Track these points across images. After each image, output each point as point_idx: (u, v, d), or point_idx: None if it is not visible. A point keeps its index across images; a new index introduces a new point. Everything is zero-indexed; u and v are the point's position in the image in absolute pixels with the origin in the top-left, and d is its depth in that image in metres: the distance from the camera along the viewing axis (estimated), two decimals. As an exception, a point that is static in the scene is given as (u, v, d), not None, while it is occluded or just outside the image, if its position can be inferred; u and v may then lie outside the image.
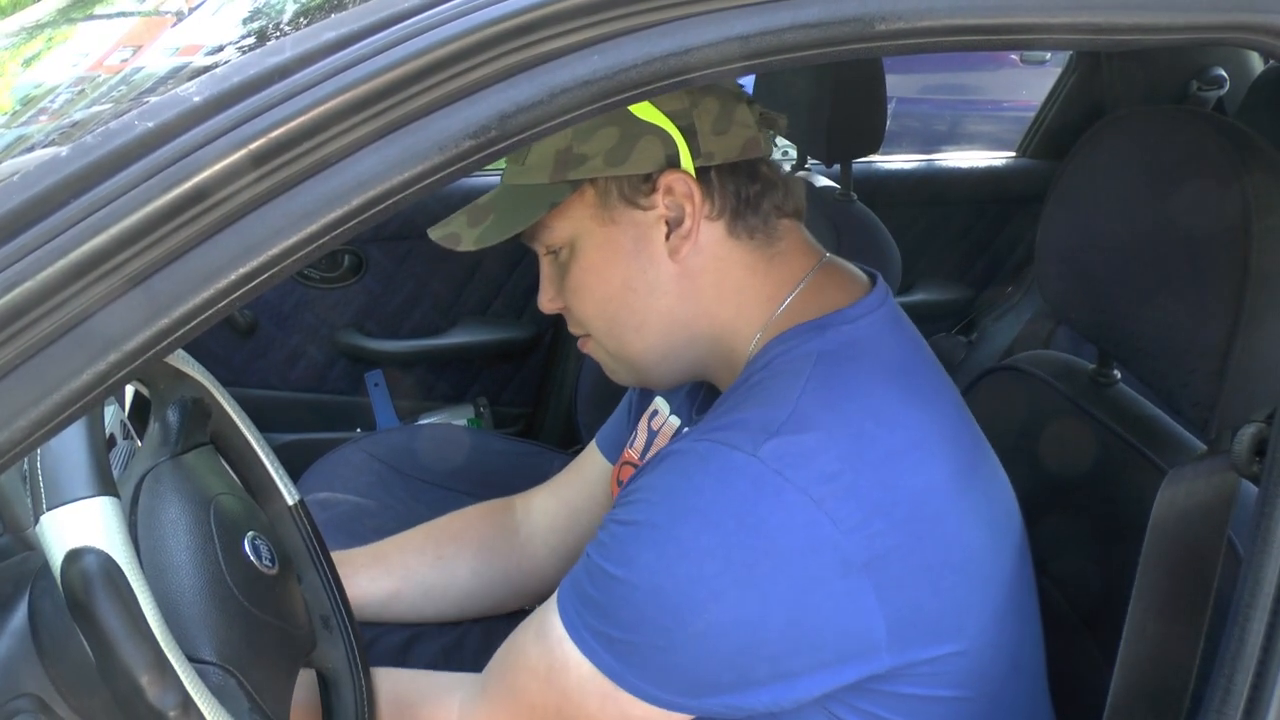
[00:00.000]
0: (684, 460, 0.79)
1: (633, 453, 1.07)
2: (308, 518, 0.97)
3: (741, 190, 0.85)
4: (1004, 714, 0.86)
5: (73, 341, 0.52)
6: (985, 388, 1.19)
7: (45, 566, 0.71)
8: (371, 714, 0.92)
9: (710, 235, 0.85)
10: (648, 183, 0.83)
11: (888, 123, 1.78)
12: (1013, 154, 2.37)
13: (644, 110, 0.83)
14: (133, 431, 1.34)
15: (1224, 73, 2.00)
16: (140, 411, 1.46)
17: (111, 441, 1.29)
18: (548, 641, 0.83)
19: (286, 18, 0.78)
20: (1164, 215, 0.89)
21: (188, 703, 0.65)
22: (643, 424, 1.07)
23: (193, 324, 0.53)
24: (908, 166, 2.32)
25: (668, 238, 0.85)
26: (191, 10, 1.03)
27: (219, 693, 0.70)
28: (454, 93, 0.55)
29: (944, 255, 2.36)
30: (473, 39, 0.55)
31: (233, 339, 1.99)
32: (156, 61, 0.93)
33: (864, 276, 0.92)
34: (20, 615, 0.71)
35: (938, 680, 0.80)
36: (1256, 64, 1.99)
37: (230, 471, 0.94)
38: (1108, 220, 0.96)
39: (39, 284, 0.50)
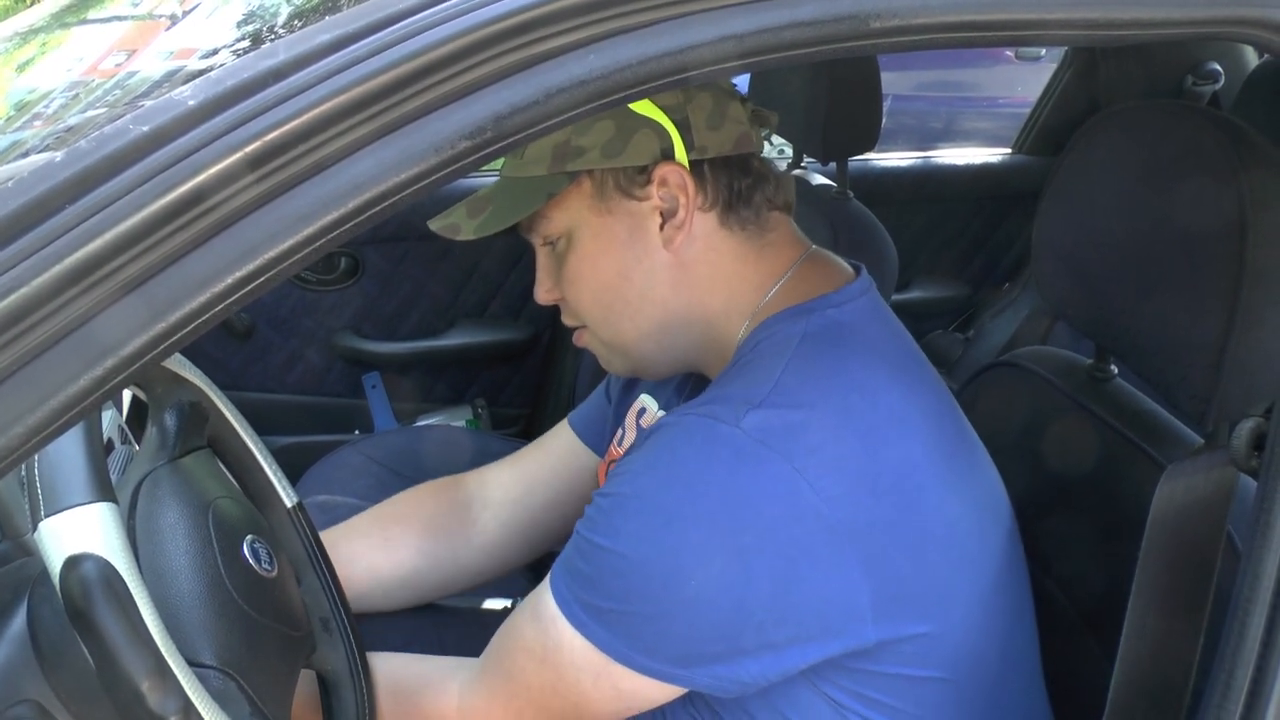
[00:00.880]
0: (669, 433, 0.81)
1: (620, 450, 1.07)
2: (306, 520, 0.97)
3: (734, 183, 0.88)
4: (994, 706, 0.87)
5: (69, 347, 0.51)
6: (983, 384, 1.19)
7: (44, 572, 0.70)
8: (372, 716, 0.92)
9: (703, 226, 0.87)
10: (643, 174, 0.86)
11: (883, 120, 1.78)
12: (1009, 150, 2.37)
13: (639, 105, 0.84)
14: (130, 436, 1.34)
15: (1219, 67, 2.00)
16: (138, 416, 1.45)
17: (109, 446, 1.29)
18: (541, 621, 0.84)
19: (281, 20, 0.78)
20: (1160, 211, 0.89)
21: (188, 707, 0.64)
22: (630, 421, 1.08)
23: (190, 328, 0.53)
24: (904, 164, 2.32)
25: (662, 228, 0.87)
26: (186, 14, 1.03)
27: (219, 697, 0.70)
28: (450, 94, 0.55)
29: (941, 252, 2.36)
30: (468, 40, 0.55)
31: (230, 343, 1.99)
32: (151, 65, 0.93)
33: (849, 268, 0.94)
34: (19, 621, 0.71)
35: (923, 660, 0.81)
36: (1251, 58, 1.99)
37: (228, 475, 0.94)
38: (1104, 216, 0.96)
39: (34, 290, 0.50)
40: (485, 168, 0.59)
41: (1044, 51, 3.96)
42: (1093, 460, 1.01)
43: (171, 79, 0.76)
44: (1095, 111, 1.19)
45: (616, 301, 0.90)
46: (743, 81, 1.88)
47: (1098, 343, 1.05)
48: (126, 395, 1.32)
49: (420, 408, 2.12)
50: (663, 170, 0.85)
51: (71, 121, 0.84)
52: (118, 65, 0.96)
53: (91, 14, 1.21)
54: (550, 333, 2.12)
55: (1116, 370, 1.07)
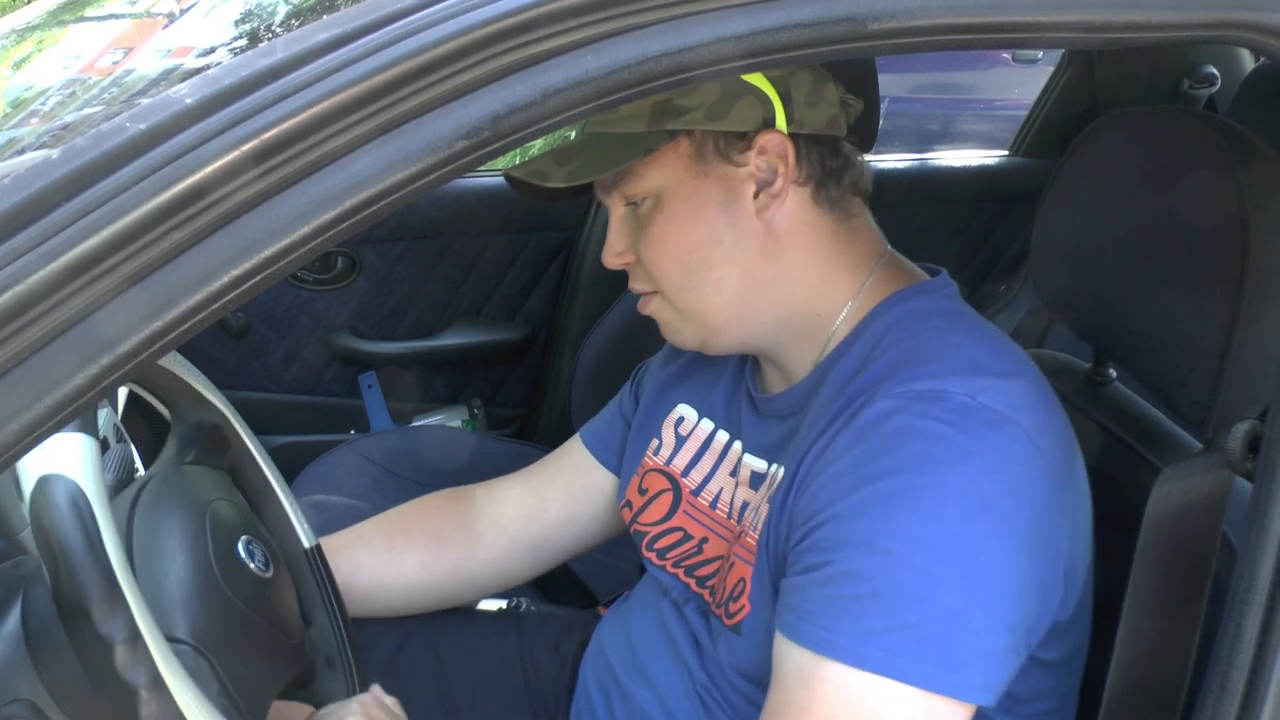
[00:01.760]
0: (902, 419, 0.77)
1: (657, 459, 1.05)
2: (322, 561, 0.96)
3: (826, 161, 0.89)
4: (1071, 691, 0.89)
5: (65, 344, 0.51)
6: (980, 386, 1.19)
7: (39, 571, 0.70)
8: None
9: (796, 200, 0.88)
10: (743, 140, 0.86)
11: (880, 122, 1.78)
12: (1006, 153, 2.37)
13: None
14: (126, 435, 1.34)
15: (1215, 70, 2.01)
16: (135, 416, 1.45)
17: (105, 445, 1.28)
18: (822, 686, 0.75)
19: (279, 19, 0.78)
20: (1160, 214, 0.90)
21: (157, 679, 0.64)
22: (667, 430, 1.05)
23: (186, 327, 0.53)
24: (901, 166, 2.32)
25: (755, 196, 0.87)
26: (183, 12, 1.02)
27: (190, 673, 0.69)
28: (447, 93, 0.55)
29: (937, 254, 2.34)
30: (466, 40, 0.55)
31: (226, 341, 1.98)
32: (148, 64, 0.93)
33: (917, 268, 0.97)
34: (13, 620, 0.70)
35: (1049, 641, 0.82)
36: (1247, 61, 1.99)
37: (237, 489, 0.93)
38: (1104, 219, 0.96)
39: (30, 286, 0.50)
40: (483, 167, 0.59)
41: (1041, 54, 3.97)
42: (1091, 464, 1.01)
43: (168, 77, 0.76)
44: (1092, 115, 1.20)
45: (702, 265, 0.88)
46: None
47: (1096, 346, 1.05)
48: (122, 394, 1.32)
49: (417, 407, 2.11)
50: (764, 138, 0.85)
51: (68, 119, 0.84)
52: (114, 63, 0.96)
53: (88, 12, 1.21)
54: (546, 333, 2.12)
55: (1115, 375, 1.07)
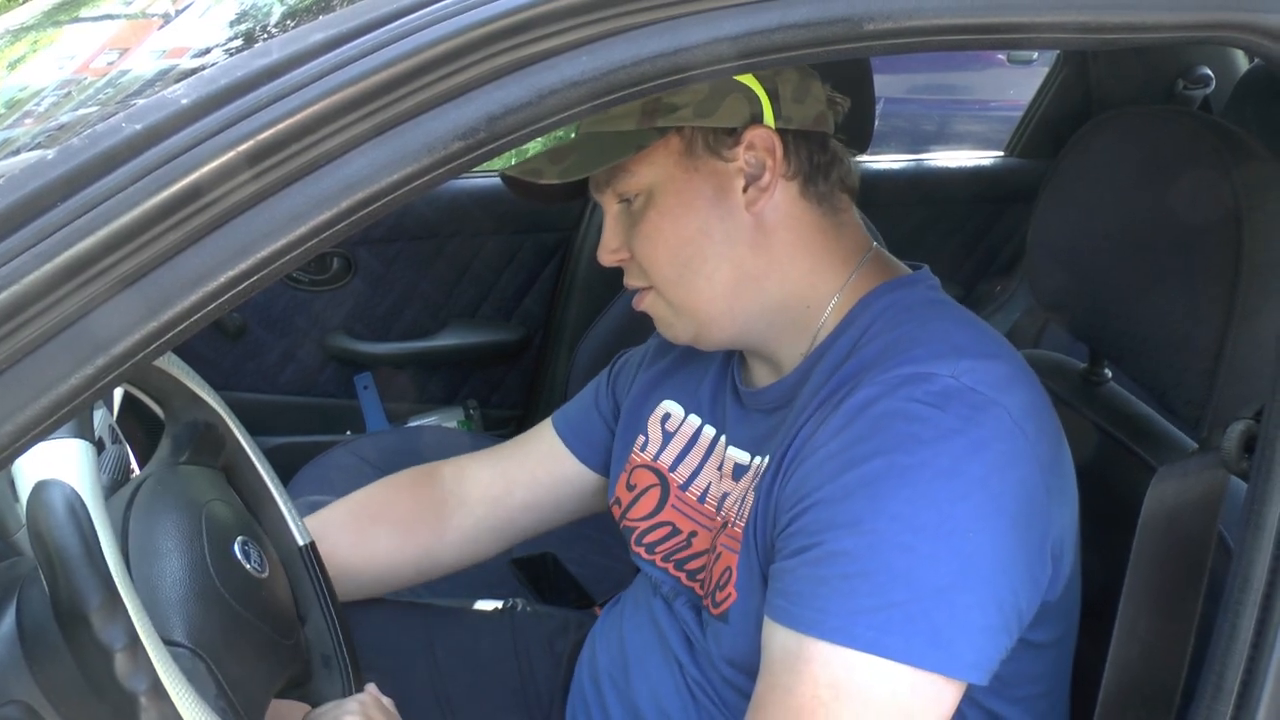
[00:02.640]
0: (879, 406, 0.78)
1: (644, 455, 1.06)
2: (317, 559, 0.96)
3: (814, 157, 0.91)
4: (1064, 675, 0.90)
5: (60, 345, 0.51)
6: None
7: (34, 572, 0.70)
8: None
9: (785, 194, 0.90)
10: (731, 136, 0.87)
11: (876, 123, 1.79)
12: (1000, 153, 2.37)
13: None
14: (121, 436, 1.34)
15: (1209, 71, 2.01)
16: (130, 417, 1.45)
17: (100, 446, 1.28)
18: (808, 667, 0.76)
19: (274, 19, 0.78)
20: (1155, 214, 0.90)
21: (157, 685, 0.64)
22: (653, 426, 1.06)
23: (181, 327, 0.53)
24: (896, 167, 2.33)
25: (744, 190, 0.88)
26: (178, 13, 1.02)
27: (187, 676, 0.69)
28: (443, 94, 0.55)
29: (932, 255, 2.34)
30: (461, 40, 0.55)
31: (222, 342, 1.98)
32: (143, 64, 0.92)
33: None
34: (8, 622, 0.70)
35: (1039, 623, 0.83)
36: (1242, 62, 2.00)
37: (233, 491, 0.93)
38: (1100, 219, 0.96)
39: (25, 287, 0.50)
40: (479, 168, 0.59)
41: (1036, 55, 3.97)
42: (1086, 464, 1.01)
43: (164, 78, 0.76)
44: (1087, 116, 1.20)
45: (695, 258, 0.89)
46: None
47: (1091, 346, 1.05)
48: (118, 394, 1.31)
49: (412, 408, 2.11)
50: (753, 133, 0.87)
51: (63, 119, 0.84)
52: (110, 64, 0.96)
53: (83, 12, 1.20)
54: (542, 334, 2.12)
55: (1110, 374, 1.07)
